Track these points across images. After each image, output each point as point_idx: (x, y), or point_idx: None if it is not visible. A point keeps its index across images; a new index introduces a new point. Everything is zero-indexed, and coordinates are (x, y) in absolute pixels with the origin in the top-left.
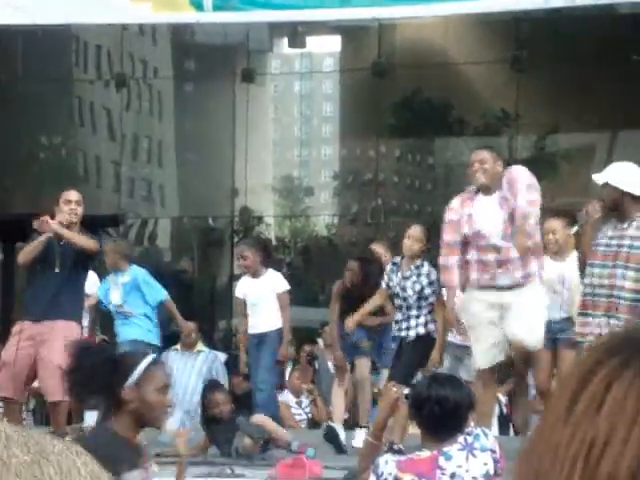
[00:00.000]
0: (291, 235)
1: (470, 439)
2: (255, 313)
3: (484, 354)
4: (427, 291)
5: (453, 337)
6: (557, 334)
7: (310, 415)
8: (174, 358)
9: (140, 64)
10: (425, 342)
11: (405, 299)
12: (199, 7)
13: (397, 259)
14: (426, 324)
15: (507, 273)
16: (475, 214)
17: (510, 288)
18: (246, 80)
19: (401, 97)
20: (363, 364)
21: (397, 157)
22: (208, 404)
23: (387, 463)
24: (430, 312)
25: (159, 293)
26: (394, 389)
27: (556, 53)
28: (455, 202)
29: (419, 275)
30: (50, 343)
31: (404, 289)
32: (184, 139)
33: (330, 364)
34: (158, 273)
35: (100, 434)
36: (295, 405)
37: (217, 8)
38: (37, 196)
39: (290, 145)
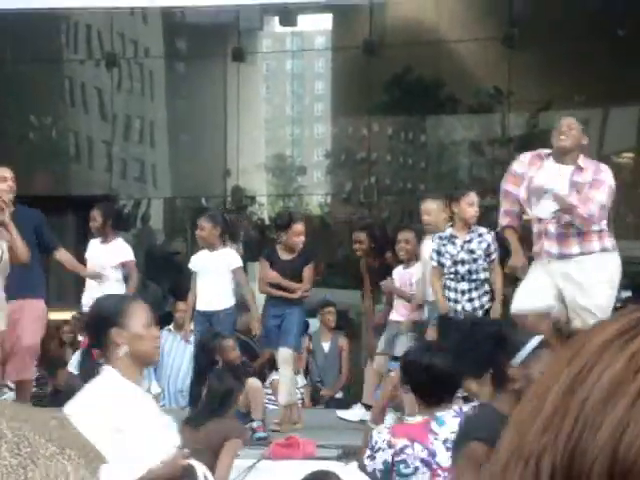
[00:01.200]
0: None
1: (466, 408)
2: (205, 288)
3: (525, 294)
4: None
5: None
6: None
7: (303, 396)
8: (167, 338)
9: (131, 44)
10: None
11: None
12: None
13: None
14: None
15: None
16: (540, 175)
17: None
18: (237, 59)
19: (392, 75)
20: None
21: (389, 135)
22: (219, 350)
23: (380, 433)
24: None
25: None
26: (392, 374)
27: (548, 29)
28: (524, 156)
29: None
30: (22, 323)
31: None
32: (176, 119)
33: (325, 344)
34: (151, 254)
35: (487, 412)
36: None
37: None
38: (28, 177)
39: (282, 124)
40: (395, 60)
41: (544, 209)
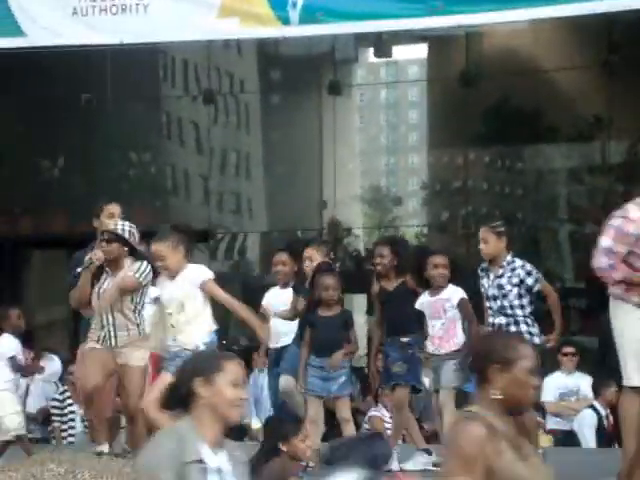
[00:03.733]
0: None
1: None
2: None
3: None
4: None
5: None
6: None
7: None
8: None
9: (226, 77)
10: None
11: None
12: (285, 21)
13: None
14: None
15: None
16: None
17: None
18: (333, 92)
19: (490, 105)
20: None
21: (486, 164)
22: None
23: None
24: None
25: None
26: None
27: None
28: (636, 212)
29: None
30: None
31: (500, 287)
32: (271, 152)
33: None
34: (248, 287)
35: None
36: (389, 420)
37: (303, 21)
38: (129, 213)
39: (377, 154)
40: (492, 90)
41: None
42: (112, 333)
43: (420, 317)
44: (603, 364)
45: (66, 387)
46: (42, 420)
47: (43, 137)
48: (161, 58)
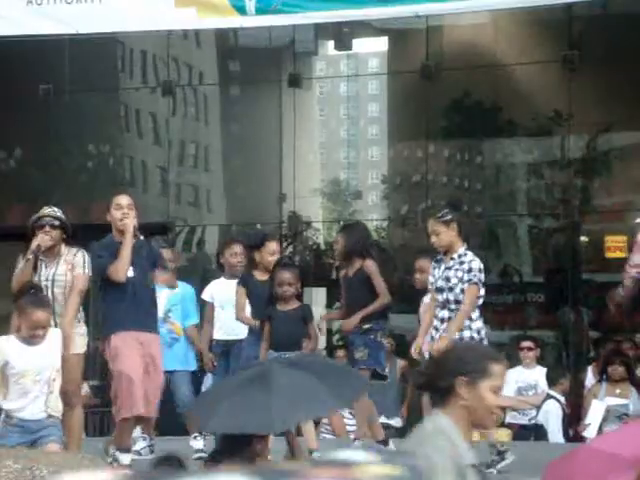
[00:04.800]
0: None
1: None
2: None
3: None
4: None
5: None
6: None
7: None
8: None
9: (185, 68)
10: None
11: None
12: (242, 11)
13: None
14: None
15: None
16: None
17: None
18: (293, 85)
19: (450, 98)
20: None
21: (446, 158)
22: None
23: None
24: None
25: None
26: None
27: (607, 51)
28: None
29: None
30: (157, 358)
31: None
32: (231, 144)
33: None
34: (206, 280)
35: None
36: (349, 415)
37: (260, 11)
38: (87, 206)
39: (337, 147)
40: (452, 83)
41: None
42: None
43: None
44: (561, 357)
45: None
46: None
47: None
48: (119, 49)
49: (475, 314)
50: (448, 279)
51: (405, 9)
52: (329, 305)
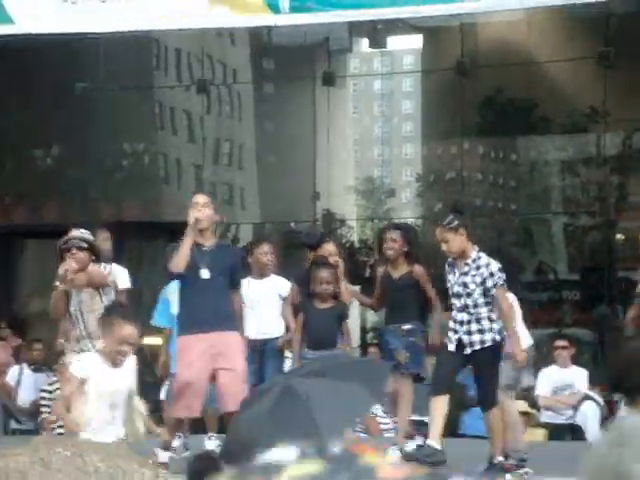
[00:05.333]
0: (374, 237)
1: None
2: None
3: None
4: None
5: None
6: None
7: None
8: None
9: (220, 67)
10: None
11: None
12: (275, 9)
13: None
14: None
15: None
16: None
17: None
18: (327, 83)
19: (485, 96)
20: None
21: (480, 155)
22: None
23: None
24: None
25: None
26: None
27: None
28: None
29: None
30: (230, 354)
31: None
32: (264, 142)
33: None
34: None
35: None
36: (382, 414)
37: (294, 10)
38: (123, 204)
39: (371, 145)
40: (487, 81)
41: None
42: (90, 345)
43: (424, 308)
44: (596, 356)
45: (56, 377)
46: (32, 412)
47: (36, 126)
48: (154, 47)
49: (495, 314)
50: (466, 285)
51: (441, 8)
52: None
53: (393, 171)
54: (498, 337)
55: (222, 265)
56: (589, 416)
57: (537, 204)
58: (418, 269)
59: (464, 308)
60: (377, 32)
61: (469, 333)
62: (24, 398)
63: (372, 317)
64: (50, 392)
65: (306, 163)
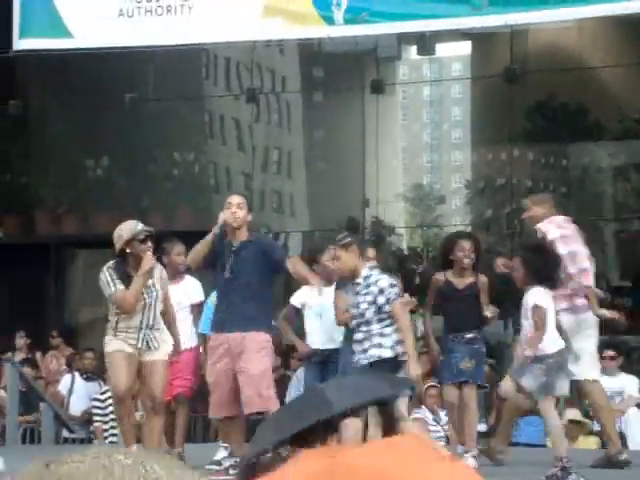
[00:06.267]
0: (423, 244)
1: None
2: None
3: None
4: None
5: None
6: None
7: (448, 433)
8: None
9: (269, 75)
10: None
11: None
12: (330, 21)
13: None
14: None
15: None
16: None
17: None
18: (375, 90)
19: (534, 102)
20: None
21: (530, 162)
22: None
23: None
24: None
25: None
26: None
27: None
28: None
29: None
30: (246, 355)
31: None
32: (313, 150)
33: None
34: (290, 287)
35: None
36: (433, 422)
37: (348, 22)
38: (173, 213)
39: (420, 152)
40: (536, 87)
41: None
42: (151, 335)
43: (481, 316)
44: None
45: (108, 387)
46: (84, 421)
47: (87, 137)
48: (204, 56)
49: (389, 329)
50: (357, 305)
51: (492, 20)
52: (411, 311)
53: (442, 178)
54: (388, 353)
55: (244, 263)
56: (630, 422)
57: (588, 210)
58: (483, 279)
59: (358, 326)
60: (425, 39)
61: (364, 352)
62: (76, 407)
63: (420, 325)
64: (102, 401)
65: (355, 171)
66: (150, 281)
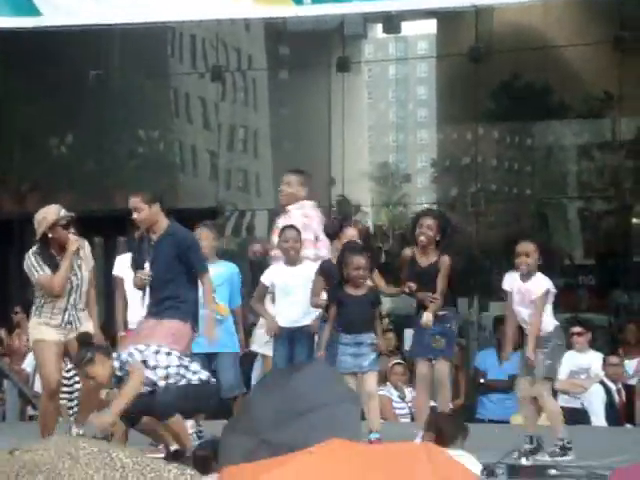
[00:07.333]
0: (389, 223)
1: None
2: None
3: None
4: None
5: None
6: None
7: (414, 410)
8: None
9: (234, 53)
10: None
11: None
12: (298, 1)
13: None
14: None
15: None
16: None
17: None
18: (342, 69)
19: (499, 81)
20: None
21: (495, 141)
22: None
23: None
24: None
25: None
26: None
27: None
28: None
29: None
30: (152, 335)
31: None
32: (279, 129)
33: None
34: (255, 264)
35: None
36: (397, 399)
37: (316, 1)
38: (135, 190)
39: (386, 131)
40: (501, 66)
41: None
42: (75, 315)
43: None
44: (613, 341)
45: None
46: None
47: (52, 115)
48: (169, 34)
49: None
50: None
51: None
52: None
53: (408, 157)
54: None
55: (161, 256)
56: (594, 400)
57: (552, 189)
58: (444, 259)
59: None
60: (391, 17)
61: None
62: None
63: (388, 303)
64: (67, 379)
65: (321, 149)
66: (77, 263)
